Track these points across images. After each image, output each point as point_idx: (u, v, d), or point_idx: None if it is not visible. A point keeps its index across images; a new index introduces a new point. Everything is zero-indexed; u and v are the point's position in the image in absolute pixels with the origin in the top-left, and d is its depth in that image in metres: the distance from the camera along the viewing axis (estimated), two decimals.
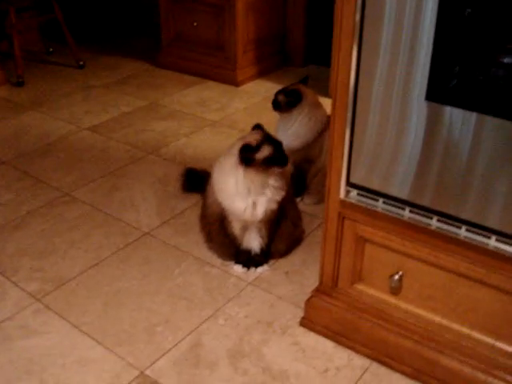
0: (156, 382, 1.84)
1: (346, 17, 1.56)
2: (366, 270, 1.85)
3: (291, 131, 2.58)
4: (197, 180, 2.69)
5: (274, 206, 2.16)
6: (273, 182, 2.12)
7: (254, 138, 2.09)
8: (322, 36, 4.23)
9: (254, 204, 2.11)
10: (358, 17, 1.53)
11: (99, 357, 1.94)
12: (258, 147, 2.05)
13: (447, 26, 1.41)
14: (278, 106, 2.60)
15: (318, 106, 2.64)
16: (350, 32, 1.56)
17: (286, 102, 2.57)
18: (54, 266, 2.35)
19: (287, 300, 2.17)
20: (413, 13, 1.43)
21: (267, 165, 2.06)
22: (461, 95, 1.47)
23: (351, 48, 1.57)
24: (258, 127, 2.18)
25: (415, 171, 1.59)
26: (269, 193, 2.12)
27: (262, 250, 2.29)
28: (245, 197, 2.10)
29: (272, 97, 2.62)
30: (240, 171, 2.06)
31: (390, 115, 1.57)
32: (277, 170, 2.10)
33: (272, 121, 2.69)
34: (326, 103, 2.60)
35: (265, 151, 2.05)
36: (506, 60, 1.45)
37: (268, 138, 2.10)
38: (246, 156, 2.04)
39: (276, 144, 2.09)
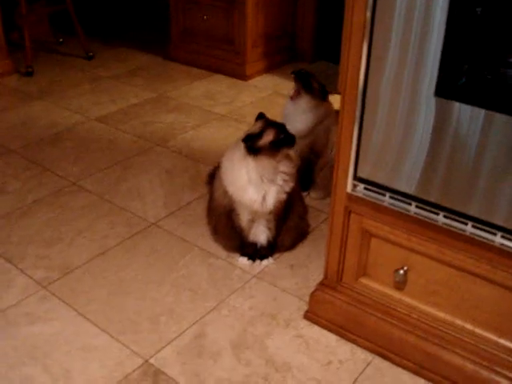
0: (159, 370, 1.85)
1: (356, 13, 1.56)
2: (371, 265, 1.86)
3: (303, 116, 2.61)
4: None
5: (283, 196, 2.17)
6: (283, 167, 2.13)
7: (256, 127, 2.12)
8: (331, 32, 4.23)
9: (265, 195, 2.13)
10: (368, 13, 1.53)
11: (103, 345, 1.95)
12: (260, 134, 2.07)
13: (457, 24, 1.41)
14: (309, 86, 2.61)
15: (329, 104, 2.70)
16: (360, 28, 1.57)
17: (318, 90, 2.61)
18: (59, 254, 2.36)
19: (291, 293, 2.18)
20: (423, 10, 1.44)
21: (275, 148, 2.07)
22: (470, 92, 1.48)
23: (361, 44, 1.58)
24: (261, 117, 2.19)
25: (422, 166, 1.59)
26: (279, 180, 2.14)
27: (268, 242, 2.30)
28: (258, 186, 2.11)
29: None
30: (250, 161, 2.08)
31: (398, 110, 1.58)
32: (286, 151, 2.12)
33: (279, 114, 2.69)
34: (334, 99, 2.62)
35: (269, 136, 2.06)
36: None
37: (269, 123, 2.12)
38: (251, 145, 2.06)
39: (278, 126, 2.10)
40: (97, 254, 2.36)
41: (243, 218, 2.24)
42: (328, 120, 2.63)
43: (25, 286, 2.19)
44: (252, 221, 2.25)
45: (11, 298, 2.13)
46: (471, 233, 1.58)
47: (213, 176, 2.76)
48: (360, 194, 1.75)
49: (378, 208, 1.73)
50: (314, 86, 2.60)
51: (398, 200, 1.68)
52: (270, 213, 2.21)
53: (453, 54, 1.45)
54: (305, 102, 2.62)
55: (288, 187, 2.18)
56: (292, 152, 2.20)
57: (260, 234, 2.28)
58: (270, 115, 2.23)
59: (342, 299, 1.95)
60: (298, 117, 2.60)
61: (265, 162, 2.09)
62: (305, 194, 2.70)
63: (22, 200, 2.72)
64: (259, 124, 2.13)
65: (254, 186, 2.11)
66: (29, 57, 4.15)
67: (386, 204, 1.71)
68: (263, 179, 2.11)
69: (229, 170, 2.17)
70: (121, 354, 1.91)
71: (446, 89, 1.48)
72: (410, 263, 1.76)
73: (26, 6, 4.11)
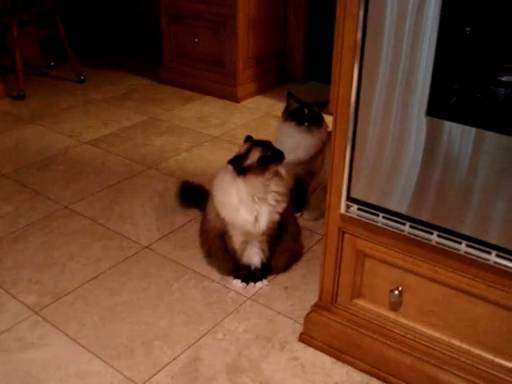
0: None
1: (347, 35, 1.57)
2: (366, 285, 1.85)
3: (305, 145, 2.61)
4: (193, 195, 2.72)
5: (276, 217, 2.17)
6: (274, 186, 2.13)
7: (243, 148, 2.14)
8: (322, 53, 4.25)
9: (257, 215, 2.13)
10: (359, 35, 1.54)
11: (97, 370, 1.92)
12: (246, 154, 2.08)
13: (447, 44, 1.42)
14: (318, 118, 2.60)
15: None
16: (351, 50, 1.57)
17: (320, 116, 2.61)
18: (52, 279, 2.34)
19: (286, 315, 2.16)
20: (413, 31, 1.44)
21: (263, 166, 2.08)
22: (460, 111, 1.48)
23: (352, 65, 1.58)
24: (248, 139, 2.20)
25: (415, 186, 1.59)
26: (271, 199, 2.13)
27: (262, 264, 2.29)
28: (250, 206, 2.11)
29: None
30: (239, 182, 2.09)
31: (390, 130, 1.58)
32: (274, 167, 2.11)
33: (271, 136, 2.69)
34: (326, 119, 2.63)
35: (255, 154, 2.08)
36: (503, 78, 1.47)
37: (255, 143, 2.13)
38: (238, 166, 2.07)
39: (264, 144, 2.12)
40: (89, 279, 2.34)
41: (236, 240, 2.23)
42: (325, 137, 2.63)
43: (17, 312, 2.17)
44: (245, 243, 2.24)
45: (3, 323, 2.11)
46: (465, 252, 1.57)
47: (182, 196, 2.76)
48: (353, 215, 1.75)
49: (372, 228, 1.73)
50: (318, 112, 2.59)
51: (392, 220, 1.68)
52: (263, 234, 2.20)
53: (443, 74, 1.46)
54: (308, 132, 2.61)
55: (280, 207, 2.17)
56: (283, 171, 2.20)
57: (253, 256, 2.27)
58: (262, 137, 2.24)
59: (336, 321, 1.94)
60: (301, 146, 2.60)
61: (254, 181, 2.09)
62: (298, 214, 2.70)
63: (14, 224, 2.70)
64: (246, 145, 2.14)
65: (246, 206, 2.11)
66: (20, 80, 4.15)
67: (379, 224, 1.70)
68: (254, 199, 2.11)
69: (220, 193, 2.17)
70: (114, 379, 1.89)
71: (437, 108, 1.49)
72: (404, 283, 1.75)
73: (16, 29, 4.12)
